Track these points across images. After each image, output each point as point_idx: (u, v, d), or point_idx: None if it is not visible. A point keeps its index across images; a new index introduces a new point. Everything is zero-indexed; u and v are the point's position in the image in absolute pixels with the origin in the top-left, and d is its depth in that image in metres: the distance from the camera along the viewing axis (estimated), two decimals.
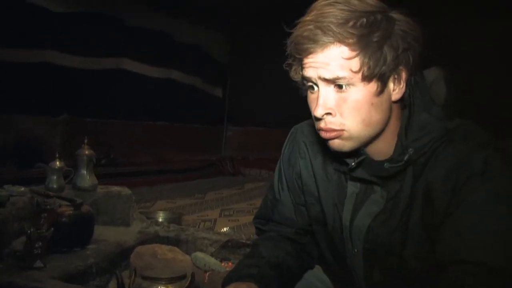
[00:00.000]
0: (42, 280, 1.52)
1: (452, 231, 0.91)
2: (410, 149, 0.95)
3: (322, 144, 1.06)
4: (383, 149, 1.01)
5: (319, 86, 0.94)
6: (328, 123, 0.94)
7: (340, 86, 0.92)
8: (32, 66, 4.79)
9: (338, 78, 0.91)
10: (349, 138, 0.95)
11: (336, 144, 0.97)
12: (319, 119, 0.95)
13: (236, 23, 7.20)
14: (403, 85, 0.96)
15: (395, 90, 0.96)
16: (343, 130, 0.94)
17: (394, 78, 0.94)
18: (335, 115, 0.94)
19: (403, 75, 0.94)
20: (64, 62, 5.17)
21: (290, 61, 0.99)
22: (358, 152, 1.01)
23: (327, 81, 0.92)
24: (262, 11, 6.24)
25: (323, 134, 0.97)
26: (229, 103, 8.56)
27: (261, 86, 7.25)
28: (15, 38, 4.59)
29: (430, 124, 0.96)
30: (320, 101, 0.93)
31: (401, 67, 0.93)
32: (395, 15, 0.92)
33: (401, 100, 0.98)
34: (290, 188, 1.22)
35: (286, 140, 1.25)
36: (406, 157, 0.95)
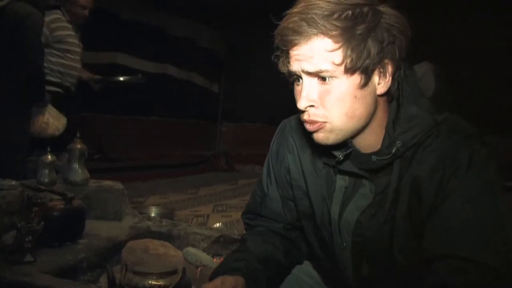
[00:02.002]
0: (32, 275, 1.51)
1: (438, 225, 0.92)
2: (398, 141, 0.95)
3: (310, 138, 1.06)
4: (370, 142, 1.01)
5: (303, 78, 0.95)
6: (312, 115, 0.95)
7: (323, 79, 0.92)
8: None
9: (321, 71, 0.91)
10: (332, 130, 0.96)
11: (320, 137, 0.98)
12: (302, 111, 0.96)
13: (233, 18, 7.18)
14: (389, 78, 0.95)
15: (380, 83, 0.95)
16: (325, 122, 0.95)
17: (380, 72, 0.94)
18: (318, 107, 0.94)
19: (389, 68, 0.94)
20: None
21: (277, 53, 0.99)
22: (346, 145, 1.01)
23: (310, 74, 0.93)
24: (260, 8, 6.22)
25: (307, 127, 0.98)
26: (225, 98, 8.54)
27: (257, 82, 7.24)
28: None
29: (419, 116, 0.96)
30: (304, 93, 0.94)
31: (386, 61, 0.93)
32: (382, 8, 0.91)
33: (387, 94, 0.98)
34: (279, 183, 1.22)
35: (275, 135, 1.25)
36: (393, 150, 0.96)
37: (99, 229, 2.14)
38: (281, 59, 0.99)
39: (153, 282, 1.52)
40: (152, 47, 6.53)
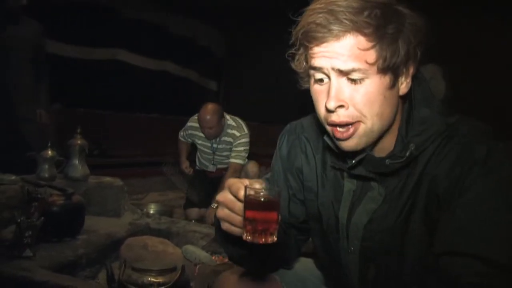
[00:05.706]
0: (31, 270, 1.51)
1: (450, 221, 0.90)
2: (412, 144, 0.93)
3: (322, 139, 1.03)
4: (384, 145, 0.98)
5: (331, 77, 0.90)
6: (342, 116, 0.90)
7: (354, 78, 0.88)
8: None
9: (354, 70, 0.87)
10: (365, 133, 0.92)
11: (351, 144, 0.93)
12: (331, 112, 0.91)
13: (233, 17, 7.17)
14: (409, 80, 0.94)
15: (403, 84, 0.94)
16: (359, 122, 0.91)
17: (403, 72, 0.92)
18: (348, 108, 0.90)
19: (411, 70, 0.93)
20: (58, 52, 5.12)
21: (294, 50, 0.95)
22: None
23: (341, 72, 0.88)
24: (260, 6, 6.22)
25: (339, 135, 0.92)
26: (224, 97, 8.53)
27: (257, 80, 7.24)
28: (7, 25, 4.53)
29: (431, 119, 0.94)
30: (332, 92, 0.89)
31: (410, 62, 0.91)
32: (403, 9, 0.89)
33: (403, 95, 0.96)
34: (290, 182, 1.18)
35: (282, 136, 1.21)
36: (407, 153, 0.93)
37: (98, 225, 2.14)
38: (297, 57, 0.96)
39: (152, 279, 1.52)
40: (152, 44, 6.53)
